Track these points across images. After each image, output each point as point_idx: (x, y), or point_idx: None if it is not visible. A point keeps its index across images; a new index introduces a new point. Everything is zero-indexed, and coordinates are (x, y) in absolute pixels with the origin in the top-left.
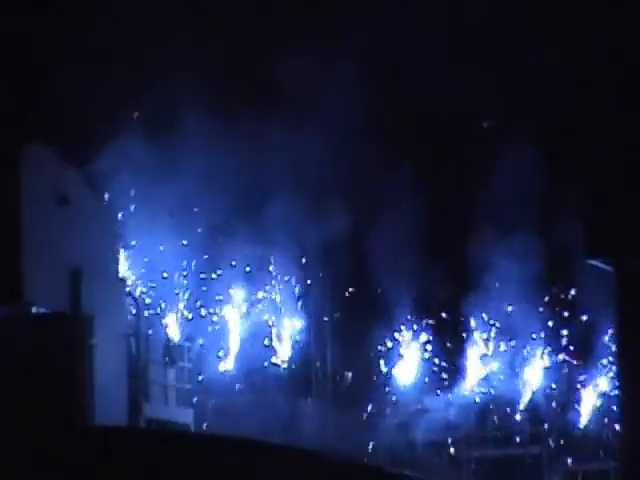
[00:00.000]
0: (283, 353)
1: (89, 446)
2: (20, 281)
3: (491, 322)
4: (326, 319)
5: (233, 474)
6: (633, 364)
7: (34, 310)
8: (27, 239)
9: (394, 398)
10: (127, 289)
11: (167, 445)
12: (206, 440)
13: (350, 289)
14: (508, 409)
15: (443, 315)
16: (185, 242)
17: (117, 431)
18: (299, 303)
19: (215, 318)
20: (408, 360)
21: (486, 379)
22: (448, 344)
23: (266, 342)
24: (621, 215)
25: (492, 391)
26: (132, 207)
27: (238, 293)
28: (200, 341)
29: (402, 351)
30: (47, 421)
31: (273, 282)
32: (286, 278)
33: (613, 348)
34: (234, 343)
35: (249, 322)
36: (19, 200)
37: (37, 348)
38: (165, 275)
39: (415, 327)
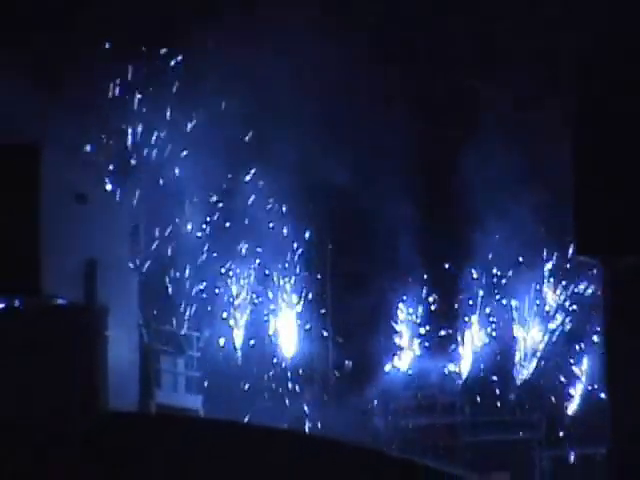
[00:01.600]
0: (287, 345)
1: (103, 430)
2: (39, 275)
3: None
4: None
5: (239, 458)
6: (621, 359)
7: (52, 302)
8: (46, 235)
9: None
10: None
11: (176, 429)
12: (214, 425)
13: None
14: (498, 391)
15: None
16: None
17: (129, 416)
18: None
19: (225, 314)
20: (405, 351)
21: (480, 364)
22: (442, 332)
23: (270, 334)
24: (611, 213)
25: (485, 375)
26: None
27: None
28: (207, 332)
29: (400, 342)
30: (64, 406)
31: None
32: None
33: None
34: (240, 334)
35: (254, 316)
36: (39, 199)
37: (55, 338)
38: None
39: (411, 310)
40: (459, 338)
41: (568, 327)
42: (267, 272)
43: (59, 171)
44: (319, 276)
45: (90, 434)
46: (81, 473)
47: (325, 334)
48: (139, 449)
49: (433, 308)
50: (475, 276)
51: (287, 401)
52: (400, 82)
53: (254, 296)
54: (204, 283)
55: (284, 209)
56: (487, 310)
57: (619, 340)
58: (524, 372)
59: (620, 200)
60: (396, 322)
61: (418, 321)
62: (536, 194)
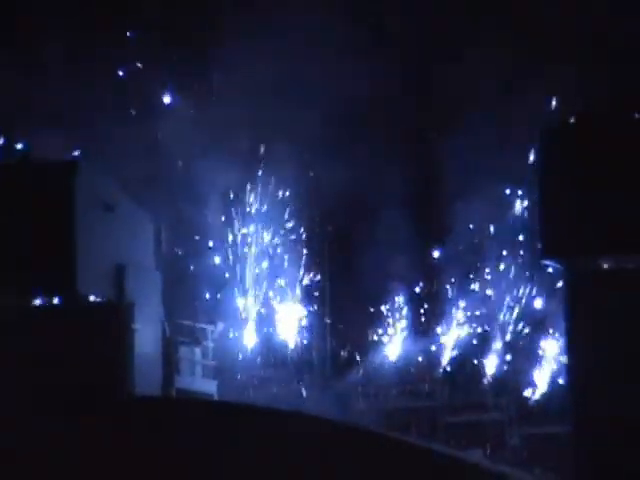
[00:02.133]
0: (290, 335)
1: (131, 412)
2: (74, 275)
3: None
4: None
5: (253, 436)
6: (581, 354)
7: (86, 300)
8: (80, 241)
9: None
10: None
11: (195, 411)
12: (227, 407)
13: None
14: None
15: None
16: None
17: (154, 400)
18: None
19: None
20: (391, 337)
21: (458, 351)
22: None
23: (277, 325)
24: (575, 218)
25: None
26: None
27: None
28: (221, 325)
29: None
30: (97, 392)
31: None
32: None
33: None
34: (251, 327)
35: (263, 308)
36: (73, 209)
37: (88, 332)
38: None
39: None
40: (440, 325)
41: (539, 314)
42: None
43: (90, 184)
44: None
45: (118, 417)
46: (110, 446)
47: (326, 320)
48: (162, 428)
49: (418, 294)
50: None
51: (289, 387)
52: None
53: (262, 291)
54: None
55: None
56: (464, 300)
57: (579, 339)
58: (497, 358)
59: (583, 206)
60: (385, 309)
61: (404, 309)
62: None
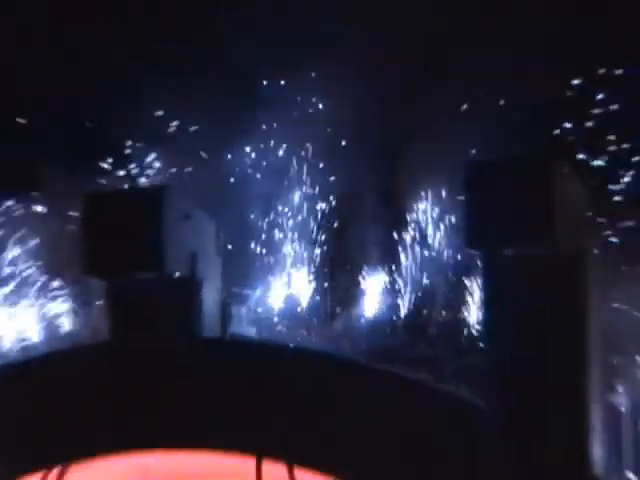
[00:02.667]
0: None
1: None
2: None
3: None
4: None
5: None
6: (499, 338)
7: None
8: (170, 240)
9: None
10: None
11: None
12: (273, 347)
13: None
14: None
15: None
16: None
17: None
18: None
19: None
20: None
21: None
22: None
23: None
24: (494, 212)
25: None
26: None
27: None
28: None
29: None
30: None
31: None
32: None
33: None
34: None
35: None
36: (163, 217)
37: (172, 299)
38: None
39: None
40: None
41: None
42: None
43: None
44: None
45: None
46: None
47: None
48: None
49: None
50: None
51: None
52: None
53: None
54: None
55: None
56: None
57: (497, 324)
58: (442, 315)
59: (502, 201)
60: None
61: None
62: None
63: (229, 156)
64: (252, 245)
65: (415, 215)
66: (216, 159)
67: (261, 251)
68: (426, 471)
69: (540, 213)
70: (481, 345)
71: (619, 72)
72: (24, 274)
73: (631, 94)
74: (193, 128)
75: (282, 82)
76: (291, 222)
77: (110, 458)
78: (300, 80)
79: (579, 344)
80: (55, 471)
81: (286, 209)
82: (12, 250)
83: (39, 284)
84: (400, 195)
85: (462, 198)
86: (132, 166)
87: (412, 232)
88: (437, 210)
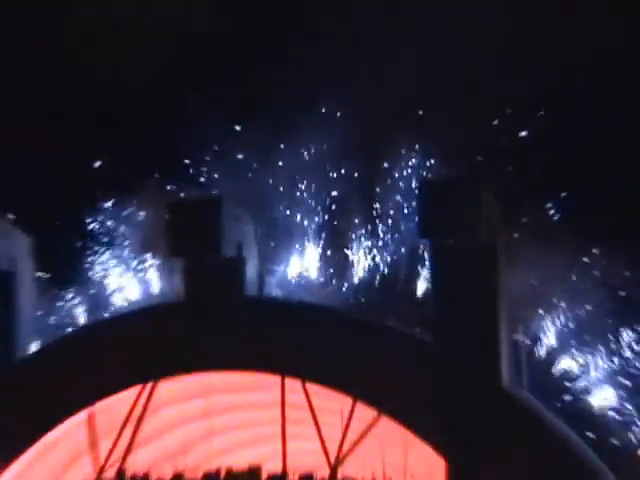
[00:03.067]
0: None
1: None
2: (220, 244)
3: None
4: None
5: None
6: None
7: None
8: (227, 237)
9: None
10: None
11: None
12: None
13: None
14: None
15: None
16: None
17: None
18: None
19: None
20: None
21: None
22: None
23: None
24: (442, 208)
25: None
26: None
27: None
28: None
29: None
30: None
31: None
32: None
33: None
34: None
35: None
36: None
37: (225, 274)
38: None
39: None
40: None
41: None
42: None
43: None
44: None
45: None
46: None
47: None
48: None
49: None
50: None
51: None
52: None
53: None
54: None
55: None
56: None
57: (442, 288)
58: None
59: (444, 207)
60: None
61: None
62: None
63: (263, 178)
64: (276, 237)
65: (393, 211)
66: (255, 179)
67: (282, 241)
68: (392, 375)
69: (469, 216)
70: (430, 302)
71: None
72: (130, 255)
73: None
74: (240, 156)
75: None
76: (302, 222)
77: (187, 376)
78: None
79: (495, 299)
80: (148, 386)
81: (298, 214)
82: (122, 239)
83: (141, 261)
84: (383, 199)
85: (420, 204)
86: (201, 181)
87: (389, 224)
88: (407, 208)
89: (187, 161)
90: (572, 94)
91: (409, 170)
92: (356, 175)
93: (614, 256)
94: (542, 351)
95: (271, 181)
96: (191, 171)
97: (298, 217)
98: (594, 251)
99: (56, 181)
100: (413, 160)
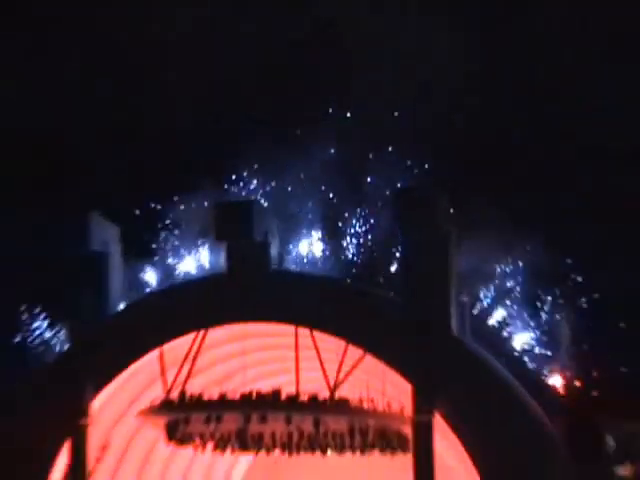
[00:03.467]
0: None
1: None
2: (253, 232)
3: None
4: None
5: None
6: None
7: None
8: (255, 225)
9: None
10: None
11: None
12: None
13: None
14: None
15: None
16: None
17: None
18: None
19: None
20: None
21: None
22: None
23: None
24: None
25: None
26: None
27: None
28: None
29: None
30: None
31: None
32: None
33: None
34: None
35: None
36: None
37: (256, 253)
38: None
39: None
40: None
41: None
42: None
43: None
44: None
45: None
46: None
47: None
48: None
49: None
50: None
51: None
52: None
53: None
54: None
55: None
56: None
57: (407, 267)
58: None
59: (416, 202)
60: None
61: None
62: None
63: (283, 187)
64: (290, 228)
65: (375, 209)
66: (278, 190)
67: (294, 230)
68: (374, 325)
69: (429, 214)
70: (401, 274)
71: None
72: (191, 239)
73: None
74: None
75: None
76: (308, 216)
77: (228, 326)
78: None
79: (447, 272)
80: (201, 333)
81: (305, 211)
82: (185, 227)
83: (198, 244)
84: (368, 202)
85: (395, 206)
86: (240, 186)
87: (372, 220)
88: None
89: (233, 176)
90: None
91: (386, 180)
92: (347, 183)
93: (534, 240)
94: (480, 309)
95: (289, 188)
96: (233, 179)
97: (305, 213)
98: (520, 238)
99: (139, 184)
100: (389, 172)
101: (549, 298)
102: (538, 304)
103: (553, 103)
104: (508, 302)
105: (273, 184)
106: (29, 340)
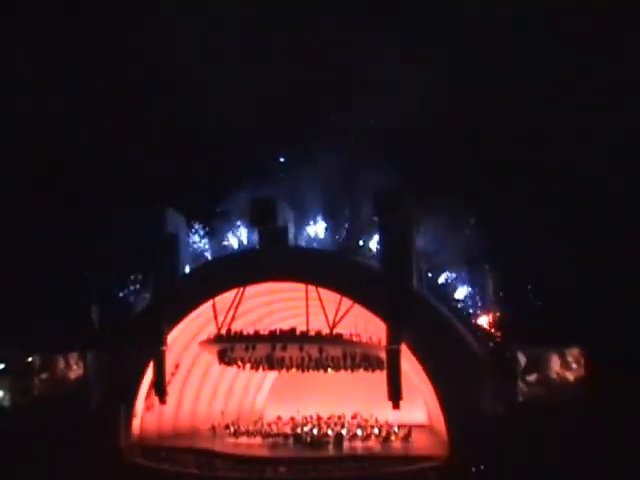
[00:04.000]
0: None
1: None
2: (275, 218)
3: None
4: None
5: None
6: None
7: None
8: (278, 215)
9: None
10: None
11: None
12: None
13: None
14: None
15: None
16: None
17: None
18: None
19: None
20: None
21: None
22: None
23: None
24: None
25: None
26: None
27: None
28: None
29: None
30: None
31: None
32: None
33: None
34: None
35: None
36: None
37: (277, 235)
38: None
39: None
40: None
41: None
42: None
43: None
44: None
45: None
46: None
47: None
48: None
49: None
50: None
51: None
52: None
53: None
54: None
55: None
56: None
57: (386, 246)
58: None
59: (388, 200)
60: None
61: None
62: None
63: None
64: (301, 215)
65: (361, 205)
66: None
67: (304, 217)
68: (360, 283)
69: (398, 205)
70: (379, 250)
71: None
72: (233, 224)
73: None
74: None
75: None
76: (316, 207)
77: (260, 284)
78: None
79: (410, 248)
80: (242, 288)
81: (313, 203)
82: (229, 216)
83: (238, 227)
84: (357, 198)
85: (374, 202)
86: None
87: (359, 212)
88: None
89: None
90: None
91: (370, 178)
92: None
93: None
94: (433, 272)
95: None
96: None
97: (313, 206)
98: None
99: (200, 186)
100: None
101: (480, 263)
102: (476, 269)
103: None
104: (452, 268)
105: (290, 185)
106: (130, 294)
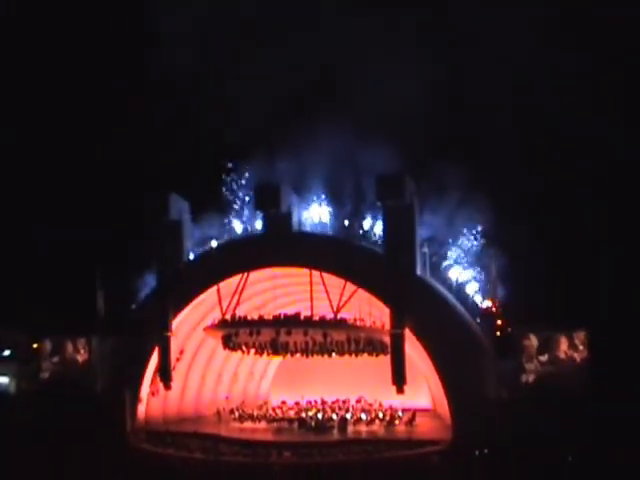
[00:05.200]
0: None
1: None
2: (278, 204)
3: None
4: None
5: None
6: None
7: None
8: (282, 202)
9: None
10: None
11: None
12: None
13: None
14: None
15: None
16: None
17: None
18: None
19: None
20: None
21: None
22: None
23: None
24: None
25: None
26: None
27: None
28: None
29: None
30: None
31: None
32: None
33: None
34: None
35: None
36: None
37: (283, 221)
38: None
39: None
40: None
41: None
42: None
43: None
44: None
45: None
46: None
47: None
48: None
49: None
50: None
51: None
52: None
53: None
54: None
55: None
56: None
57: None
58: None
59: (391, 183)
60: None
61: None
62: None
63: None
64: (305, 203)
65: (364, 188)
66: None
67: (308, 204)
68: (363, 268)
69: (400, 190)
70: (382, 234)
71: None
72: (239, 210)
73: None
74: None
75: None
76: (320, 195)
77: (264, 269)
78: None
79: (413, 232)
80: (246, 274)
81: (317, 191)
82: (236, 202)
83: (244, 211)
84: (360, 183)
85: (376, 185)
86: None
87: (363, 196)
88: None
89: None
90: None
91: (371, 165)
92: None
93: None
94: (435, 258)
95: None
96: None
97: (317, 192)
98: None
99: (209, 174)
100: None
101: (485, 251)
102: (476, 254)
103: None
104: (455, 253)
105: (295, 171)
106: (135, 280)
